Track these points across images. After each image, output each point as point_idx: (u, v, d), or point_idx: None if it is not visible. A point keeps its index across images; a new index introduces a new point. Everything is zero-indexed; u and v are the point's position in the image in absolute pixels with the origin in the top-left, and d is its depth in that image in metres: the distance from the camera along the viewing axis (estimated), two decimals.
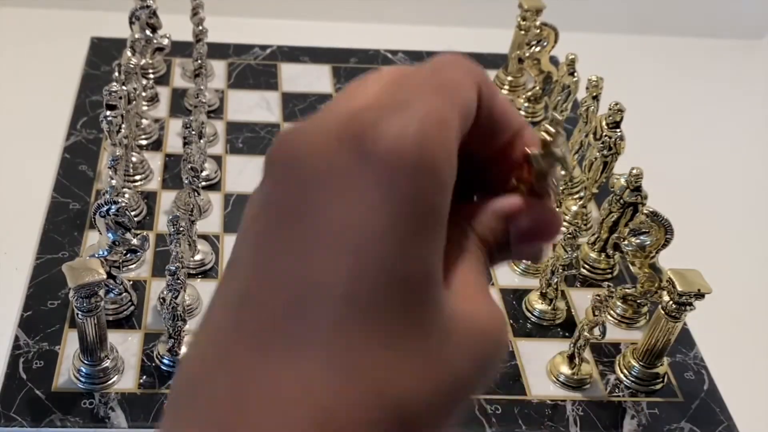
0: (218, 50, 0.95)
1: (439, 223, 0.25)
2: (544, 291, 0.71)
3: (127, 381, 0.63)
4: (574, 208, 0.80)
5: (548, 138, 0.29)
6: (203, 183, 0.77)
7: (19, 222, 0.75)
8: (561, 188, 0.27)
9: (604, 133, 0.74)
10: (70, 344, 0.64)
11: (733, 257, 0.82)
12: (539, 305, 0.71)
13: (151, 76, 0.91)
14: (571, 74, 0.81)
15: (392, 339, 0.24)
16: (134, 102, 0.74)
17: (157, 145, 0.84)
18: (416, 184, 0.24)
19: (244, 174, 0.82)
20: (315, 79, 0.95)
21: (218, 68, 0.94)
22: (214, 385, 0.24)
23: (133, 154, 0.78)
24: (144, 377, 0.63)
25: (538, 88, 0.91)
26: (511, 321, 0.71)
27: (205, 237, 0.74)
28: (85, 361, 0.61)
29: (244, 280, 0.25)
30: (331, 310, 0.23)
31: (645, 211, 0.66)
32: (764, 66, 1.10)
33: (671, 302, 0.62)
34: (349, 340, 0.23)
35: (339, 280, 0.24)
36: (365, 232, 0.24)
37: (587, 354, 0.67)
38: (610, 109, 0.73)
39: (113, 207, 0.61)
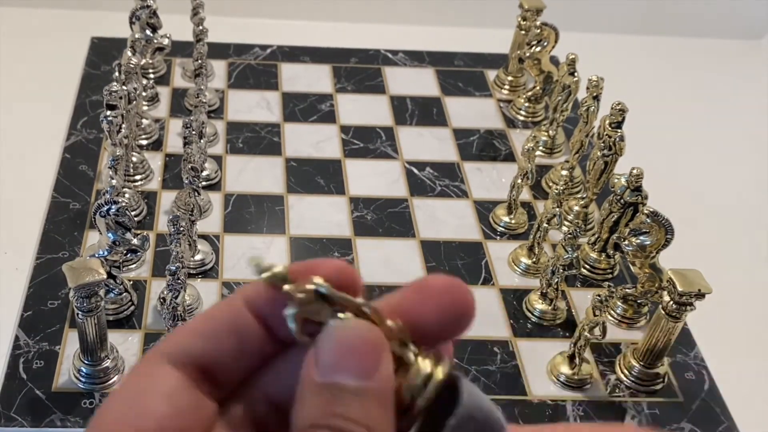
0: (218, 50, 0.95)
1: None
2: (544, 291, 0.71)
3: None
4: (576, 208, 0.80)
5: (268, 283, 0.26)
6: (203, 183, 0.77)
7: (19, 222, 0.75)
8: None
9: (605, 133, 0.74)
10: (70, 344, 0.64)
11: (733, 257, 0.82)
12: (539, 305, 0.71)
13: (152, 76, 0.91)
14: (572, 74, 0.81)
15: None
16: (134, 102, 0.74)
17: (157, 145, 0.84)
18: None
19: (245, 174, 0.82)
20: (315, 79, 0.95)
21: (218, 68, 0.94)
22: None
23: (134, 154, 0.78)
24: None
25: (538, 88, 0.91)
26: (512, 321, 0.71)
27: (205, 237, 0.74)
28: (86, 361, 0.61)
29: None
30: None
31: (645, 211, 0.66)
32: (764, 66, 1.10)
33: (672, 302, 0.62)
34: None
35: None
36: None
37: (588, 354, 0.67)
38: (612, 109, 0.73)
39: (113, 207, 0.61)
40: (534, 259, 0.74)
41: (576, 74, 0.81)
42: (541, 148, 0.87)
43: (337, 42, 1.01)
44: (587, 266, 0.76)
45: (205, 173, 0.78)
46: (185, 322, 0.26)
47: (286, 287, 0.25)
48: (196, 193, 0.67)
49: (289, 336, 0.25)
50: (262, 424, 0.27)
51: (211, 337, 0.26)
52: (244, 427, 0.26)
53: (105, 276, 0.57)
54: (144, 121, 0.83)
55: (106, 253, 0.63)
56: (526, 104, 0.93)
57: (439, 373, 0.25)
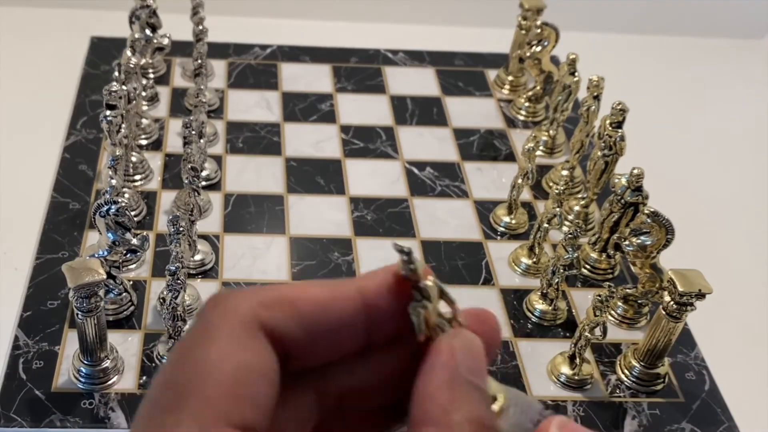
0: (218, 50, 0.95)
1: None
2: (544, 291, 0.70)
3: (127, 381, 0.62)
4: (576, 208, 0.80)
5: (402, 272, 0.27)
6: (203, 183, 0.77)
7: (19, 222, 0.75)
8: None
9: (605, 132, 0.74)
10: (70, 344, 0.64)
11: (734, 257, 0.82)
12: (540, 305, 0.71)
13: (151, 75, 0.91)
14: (572, 74, 0.81)
15: None
16: (134, 102, 0.74)
17: (157, 145, 0.83)
18: None
19: (244, 174, 0.82)
20: (315, 79, 0.95)
21: (218, 68, 0.94)
22: None
23: (133, 153, 0.78)
24: (144, 377, 0.63)
25: (538, 87, 0.91)
26: (512, 321, 0.71)
27: (205, 237, 0.74)
28: (85, 362, 0.61)
29: None
30: None
31: (646, 211, 0.66)
32: (764, 66, 1.10)
33: (672, 302, 0.62)
34: None
35: None
36: None
37: (588, 354, 0.67)
38: (612, 109, 0.73)
39: (113, 207, 0.61)
40: (534, 259, 0.74)
41: (576, 74, 0.81)
42: (541, 148, 0.87)
43: (337, 42, 1.01)
44: (588, 266, 0.76)
45: (205, 173, 0.78)
46: (292, 287, 0.26)
47: (427, 281, 0.26)
48: (196, 193, 0.67)
49: (389, 334, 0.27)
50: (324, 413, 0.27)
51: (312, 325, 0.26)
52: (305, 412, 0.27)
53: (105, 276, 0.57)
54: (144, 120, 0.83)
55: (105, 253, 0.63)
56: (527, 104, 0.93)
57: None
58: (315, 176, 0.82)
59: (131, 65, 0.74)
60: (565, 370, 0.66)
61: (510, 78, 0.97)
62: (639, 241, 0.67)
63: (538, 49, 0.88)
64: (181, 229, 0.61)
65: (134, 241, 0.63)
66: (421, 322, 0.26)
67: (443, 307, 0.27)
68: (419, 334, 0.26)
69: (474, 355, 0.26)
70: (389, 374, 0.28)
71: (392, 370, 0.28)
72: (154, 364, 0.64)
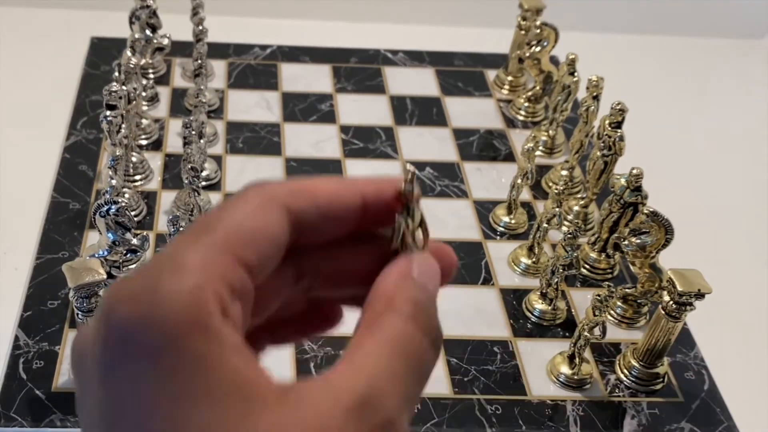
0: (218, 50, 0.95)
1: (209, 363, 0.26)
2: (544, 291, 0.71)
3: None
4: (576, 208, 0.80)
5: (401, 189, 0.32)
6: (203, 183, 0.77)
7: (19, 222, 0.75)
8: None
9: (605, 132, 0.74)
10: (69, 344, 0.64)
11: (733, 257, 0.82)
12: (539, 305, 0.71)
13: (151, 76, 0.91)
14: (572, 74, 0.81)
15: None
16: (134, 102, 0.74)
17: (157, 145, 0.84)
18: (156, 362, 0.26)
19: (244, 174, 0.82)
20: (315, 79, 0.95)
21: (218, 68, 0.94)
22: None
23: (133, 154, 0.78)
24: None
25: (538, 88, 0.91)
26: (512, 321, 0.71)
27: None
28: None
29: None
30: None
31: (645, 211, 0.66)
32: (764, 66, 1.10)
33: (671, 302, 0.62)
34: None
35: None
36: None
37: (587, 354, 0.67)
38: (612, 109, 0.73)
39: (113, 207, 0.61)
40: (534, 259, 0.74)
41: (576, 74, 0.81)
42: (540, 148, 0.87)
43: (337, 42, 1.01)
44: (587, 266, 0.76)
45: (205, 173, 0.78)
46: (313, 180, 0.32)
47: (417, 207, 0.32)
48: (196, 193, 0.67)
49: (370, 234, 0.33)
50: (293, 290, 0.33)
51: (322, 214, 0.31)
52: (281, 283, 0.32)
53: (105, 276, 0.57)
54: (144, 121, 0.83)
55: (105, 253, 0.63)
56: (526, 104, 0.93)
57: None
58: (315, 176, 0.82)
59: (131, 65, 0.74)
60: (565, 369, 0.66)
61: (509, 78, 0.97)
62: (638, 240, 0.67)
63: (538, 49, 0.88)
64: (181, 229, 0.62)
65: (134, 241, 0.63)
66: (399, 235, 0.32)
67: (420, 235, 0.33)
68: (394, 243, 0.32)
69: (428, 270, 0.32)
70: (357, 269, 0.33)
71: (361, 265, 0.33)
72: None
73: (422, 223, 0.33)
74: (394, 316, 0.29)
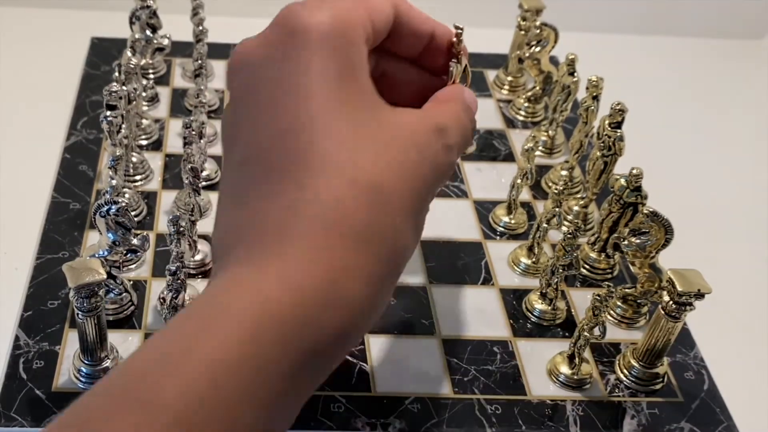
0: (218, 50, 0.95)
1: (358, 64, 0.41)
2: (544, 291, 0.71)
3: None
4: (576, 208, 0.80)
5: (453, 41, 0.50)
6: (203, 183, 0.77)
7: (19, 222, 0.75)
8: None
9: (604, 132, 0.74)
10: (70, 344, 0.64)
11: (733, 257, 0.82)
12: (539, 305, 0.71)
13: (151, 76, 0.91)
14: (571, 74, 0.81)
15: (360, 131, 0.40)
16: (134, 102, 0.74)
17: (157, 145, 0.84)
18: (332, 45, 0.40)
19: None
20: None
21: (218, 68, 0.94)
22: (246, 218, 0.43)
23: (133, 154, 0.78)
24: None
25: (538, 88, 0.91)
26: (511, 321, 0.71)
27: (205, 237, 0.74)
28: (86, 361, 0.61)
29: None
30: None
31: (645, 211, 0.66)
32: (764, 66, 1.10)
33: (671, 302, 0.62)
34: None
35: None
36: (307, 81, 0.39)
37: (587, 354, 0.67)
38: (611, 109, 0.73)
39: (113, 207, 0.61)
40: (534, 259, 0.75)
41: (576, 74, 0.81)
42: (540, 148, 0.87)
43: None
44: (587, 266, 0.76)
45: (205, 173, 0.78)
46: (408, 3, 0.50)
47: (464, 57, 0.52)
48: (196, 193, 0.67)
49: (430, 66, 0.52)
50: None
51: (412, 25, 0.50)
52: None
53: (105, 276, 0.57)
54: (144, 121, 0.83)
55: (106, 253, 0.63)
56: (526, 104, 0.93)
57: None
58: None
59: (131, 66, 0.74)
60: (564, 369, 0.66)
61: (509, 78, 0.97)
62: (638, 240, 0.67)
63: (538, 49, 0.88)
64: (181, 229, 0.62)
65: (135, 241, 0.63)
66: (452, 73, 0.49)
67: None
68: (450, 80, 0.49)
69: (472, 97, 0.49)
70: (416, 84, 0.50)
71: (420, 84, 0.50)
72: None
73: (465, 70, 0.49)
74: (454, 102, 0.46)
